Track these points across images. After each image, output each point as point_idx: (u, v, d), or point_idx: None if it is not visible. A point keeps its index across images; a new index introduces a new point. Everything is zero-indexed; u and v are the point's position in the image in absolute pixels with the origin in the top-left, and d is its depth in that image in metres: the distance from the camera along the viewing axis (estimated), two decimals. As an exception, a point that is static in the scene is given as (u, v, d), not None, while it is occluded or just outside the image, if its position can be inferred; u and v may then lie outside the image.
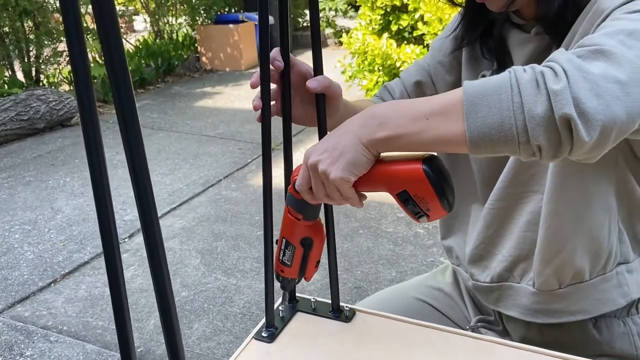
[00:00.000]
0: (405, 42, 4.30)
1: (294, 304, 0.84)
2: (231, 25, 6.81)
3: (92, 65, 5.28)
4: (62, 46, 5.40)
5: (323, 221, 0.74)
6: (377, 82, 4.25)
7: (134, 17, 8.30)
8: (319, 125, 0.73)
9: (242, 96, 5.52)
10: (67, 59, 5.38)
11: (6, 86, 4.69)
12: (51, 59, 5.21)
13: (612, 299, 0.77)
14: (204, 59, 7.02)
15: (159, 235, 0.44)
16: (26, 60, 5.03)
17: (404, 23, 4.16)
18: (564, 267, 0.76)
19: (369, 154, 0.58)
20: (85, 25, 5.12)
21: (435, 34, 3.87)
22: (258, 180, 3.33)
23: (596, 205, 0.73)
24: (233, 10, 7.67)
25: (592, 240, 0.75)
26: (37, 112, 4.31)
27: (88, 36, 5.29)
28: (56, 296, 2.21)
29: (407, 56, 3.98)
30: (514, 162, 0.78)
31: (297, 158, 0.61)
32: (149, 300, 2.16)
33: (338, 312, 0.82)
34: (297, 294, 0.85)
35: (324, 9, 8.12)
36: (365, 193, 0.64)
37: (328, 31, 8.42)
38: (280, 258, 0.74)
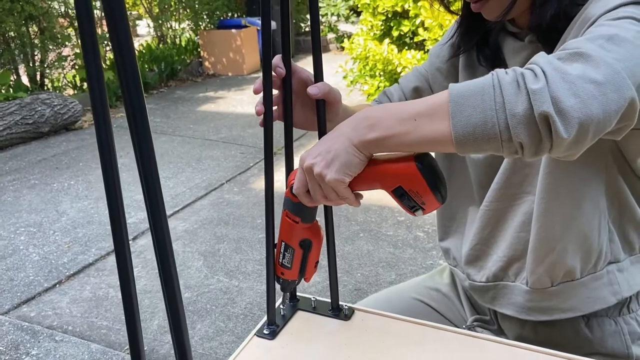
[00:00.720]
0: (406, 47, 4.33)
1: (294, 303, 0.86)
2: (234, 30, 6.85)
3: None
4: (67, 51, 5.45)
5: (323, 221, 0.76)
6: (378, 87, 4.27)
7: (137, 21, 8.34)
8: (319, 130, 0.75)
9: (244, 101, 5.54)
10: (72, 63, 5.42)
11: (11, 90, 4.73)
12: (56, 63, 5.26)
13: (603, 297, 0.79)
14: (206, 63, 7.05)
15: (167, 237, 0.45)
16: (31, 65, 5.07)
17: (405, 29, 4.19)
18: (556, 265, 0.78)
19: (362, 155, 0.60)
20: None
21: (436, 39, 3.90)
22: (260, 183, 3.35)
23: (587, 206, 0.75)
24: (236, 15, 7.71)
25: (582, 240, 0.76)
26: (41, 115, 4.34)
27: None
28: (61, 297, 2.24)
29: (408, 62, 4.01)
30: (508, 164, 0.80)
31: (299, 162, 0.64)
32: (152, 301, 2.18)
33: (337, 311, 0.83)
34: (297, 294, 0.87)
35: (326, 14, 8.15)
36: (363, 194, 0.66)
37: (330, 36, 8.45)
38: (280, 261, 0.75)
